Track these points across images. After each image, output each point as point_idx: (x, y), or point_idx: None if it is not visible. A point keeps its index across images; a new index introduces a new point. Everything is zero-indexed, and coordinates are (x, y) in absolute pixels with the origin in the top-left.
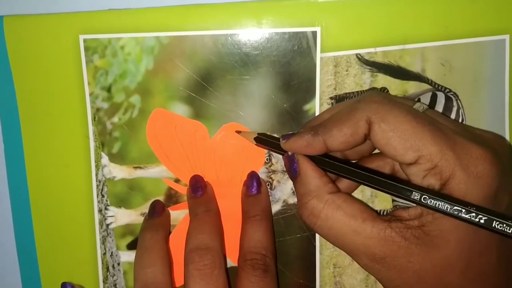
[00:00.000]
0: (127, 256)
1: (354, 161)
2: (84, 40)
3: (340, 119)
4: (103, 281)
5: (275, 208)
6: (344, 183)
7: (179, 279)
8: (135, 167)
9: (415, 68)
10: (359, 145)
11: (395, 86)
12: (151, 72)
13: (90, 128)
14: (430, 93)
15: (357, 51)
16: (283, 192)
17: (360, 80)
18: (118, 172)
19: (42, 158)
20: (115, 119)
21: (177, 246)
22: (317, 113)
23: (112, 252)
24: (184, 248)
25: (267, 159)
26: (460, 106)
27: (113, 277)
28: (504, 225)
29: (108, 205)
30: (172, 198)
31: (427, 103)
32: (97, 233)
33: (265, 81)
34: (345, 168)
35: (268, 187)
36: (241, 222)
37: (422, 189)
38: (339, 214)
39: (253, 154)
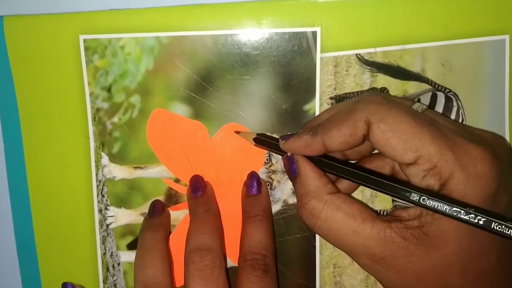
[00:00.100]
0: (127, 256)
1: (354, 161)
2: (84, 40)
3: (339, 120)
4: (103, 281)
5: (275, 208)
6: (344, 184)
7: (179, 279)
8: (135, 167)
9: (415, 68)
10: (359, 145)
11: (395, 86)
12: (151, 72)
13: (90, 128)
14: (430, 93)
15: (357, 51)
16: (283, 192)
17: (360, 80)
18: (118, 172)
19: (42, 158)
20: (115, 119)
21: (177, 246)
22: (317, 113)
23: (112, 252)
24: (184, 248)
25: (267, 159)
26: (460, 106)
27: (113, 277)
28: (503, 226)
29: (108, 205)
30: (172, 198)
31: (427, 103)
32: (97, 233)
33: (265, 81)
34: (344, 168)
35: (268, 187)
36: (241, 222)
37: (421, 190)
38: (338, 214)
39: (253, 154)
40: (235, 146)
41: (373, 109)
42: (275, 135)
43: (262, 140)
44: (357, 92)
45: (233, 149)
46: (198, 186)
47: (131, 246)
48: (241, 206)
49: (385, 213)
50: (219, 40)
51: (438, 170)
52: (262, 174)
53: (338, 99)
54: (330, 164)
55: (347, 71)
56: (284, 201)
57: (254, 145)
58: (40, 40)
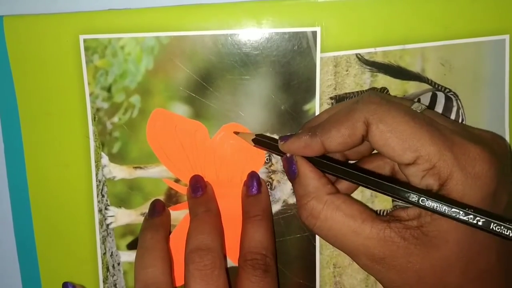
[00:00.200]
0: (127, 256)
1: (354, 161)
2: (84, 40)
3: (338, 120)
4: (103, 281)
5: (275, 208)
6: (343, 184)
7: (179, 279)
8: (135, 167)
9: (415, 68)
10: (358, 146)
11: (395, 86)
12: (151, 72)
13: (90, 128)
14: (430, 93)
15: (357, 51)
16: (283, 192)
17: (360, 80)
18: (118, 172)
19: (42, 158)
20: (115, 119)
21: (177, 246)
22: (317, 113)
23: (112, 252)
24: (184, 248)
25: (267, 159)
26: (460, 106)
27: (113, 277)
28: (502, 227)
29: (108, 205)
30: (172, 198)
31: (427, 103)
32: (97, 233)
33: (265, 81)
34: (343, 169)
35: (268, 187)
36: (241, 222)
37: (420, 191)
38: (338, 215)
39: (253, 154)
40: (235, 146)
41: (372, 109)
42: (275, 135)
43: (261, 141)
44: (357, 92)
45: (233, 149)
46: (198, 186)
47: (131, 246)
48: (241, 206)
49: (384, 213)
50: (219, 40)
51: (437, 170)
52: (262, 174)
53: (338, 99)
54: (329, 165)
55: (347, 71)
56: (284, 201)
57: (253, 146)
58: (40, 40)
